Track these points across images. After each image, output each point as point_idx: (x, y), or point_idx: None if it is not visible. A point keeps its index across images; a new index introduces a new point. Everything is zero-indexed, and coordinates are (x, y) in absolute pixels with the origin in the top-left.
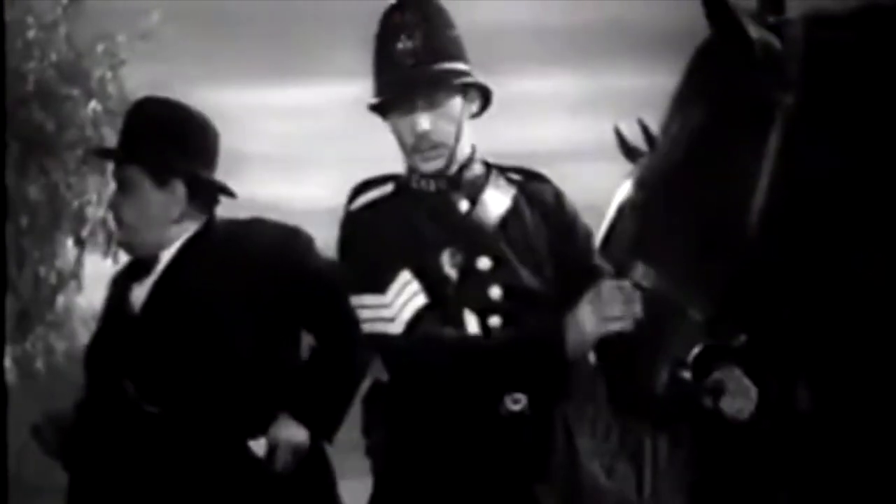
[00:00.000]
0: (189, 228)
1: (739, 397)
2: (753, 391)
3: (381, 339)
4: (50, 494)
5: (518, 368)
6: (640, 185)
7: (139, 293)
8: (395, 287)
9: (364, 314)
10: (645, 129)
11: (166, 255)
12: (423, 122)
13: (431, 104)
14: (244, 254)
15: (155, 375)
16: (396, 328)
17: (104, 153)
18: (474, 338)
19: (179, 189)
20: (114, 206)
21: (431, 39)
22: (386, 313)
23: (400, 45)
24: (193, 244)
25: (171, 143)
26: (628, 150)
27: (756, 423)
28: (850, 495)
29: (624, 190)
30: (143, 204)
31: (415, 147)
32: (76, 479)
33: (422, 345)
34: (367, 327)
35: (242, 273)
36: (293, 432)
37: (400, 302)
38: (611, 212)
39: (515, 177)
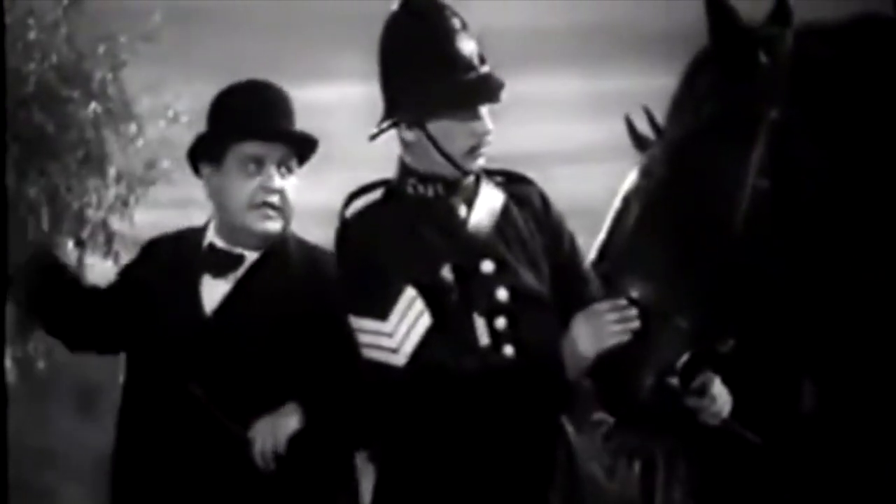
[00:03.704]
0: None
1: (713, 405)
2: (726, 400)
3: (383, 371)
4: (50, 494)
5: (519, 396)
6: (645, 173)
7: (213, 291)
8: (398, 310)
9: (364, 339)
10: (651, 119)
11: (251, 257)
12: (489, 121)
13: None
14: (312, 277)
15: (225, 382)
16: (400, 360)
17: (297, 137)
18: (475, 368)
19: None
20: (279, 191)
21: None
22: (388, 343)
23: (465, 47)
24: (274, 253)
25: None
26: (639, 140)
27: (760, 426)
28: (854, 497)
29: (629, 180)
30: (291, 188)
31: (473, 147)
32: (121, 459)
33: (424, 381)
34: (367, 353)
35: (306, 295)
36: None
37: (403, 330)
38: (616, 203)
39: (500, 180)
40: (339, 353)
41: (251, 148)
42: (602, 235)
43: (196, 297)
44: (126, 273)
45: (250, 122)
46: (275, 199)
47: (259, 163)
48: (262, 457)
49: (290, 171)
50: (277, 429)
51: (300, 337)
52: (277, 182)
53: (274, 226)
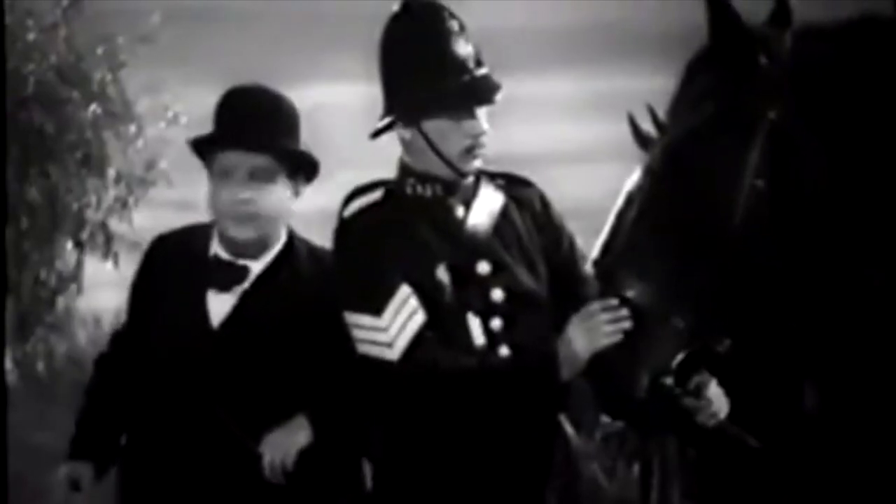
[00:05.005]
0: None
1: (710, 406)
2: (723, 402)
3: (377, 366)
4: (49, 494)
5: (514, 395)
6: (647, 171)
7: (220, 304)
8: (392, 305)
9: (359, 334)
10: (654, 117)
11: (256, 268)
12: (485, 122)
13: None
14: (322, 284)
15: (233, 393)
16: (393, 354)
17: (243, 140)
18: (470, 366)
19: (301, 181)
20: (247, 201)
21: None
22: (382, 338)
23: (461, 49)
24: (281, 262)
25: (295, 134)
26: (642, 139)
27: (761, 427)
28: (856, 497)
29: (633, 178)
30: (281, 196)
31: (469, 148)
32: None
33: (418, 376)
34: (361, 348)
35: (316, 303)
36: (291, 436)
37: (397, 325)
38: (618, 202)
39: (501, 182)
40: (348, 361)
41: (224, 157)
42: (604, 234)
43: (203, 311)
44: (135, 290)
45: (220, 131)
46: (243, 208)
47: (227, 173)
48: (272, 471)
49: (270, 179)
50: (288, 444)
51: (309, 346)
52: (245, 192)
53: (247, 234)
